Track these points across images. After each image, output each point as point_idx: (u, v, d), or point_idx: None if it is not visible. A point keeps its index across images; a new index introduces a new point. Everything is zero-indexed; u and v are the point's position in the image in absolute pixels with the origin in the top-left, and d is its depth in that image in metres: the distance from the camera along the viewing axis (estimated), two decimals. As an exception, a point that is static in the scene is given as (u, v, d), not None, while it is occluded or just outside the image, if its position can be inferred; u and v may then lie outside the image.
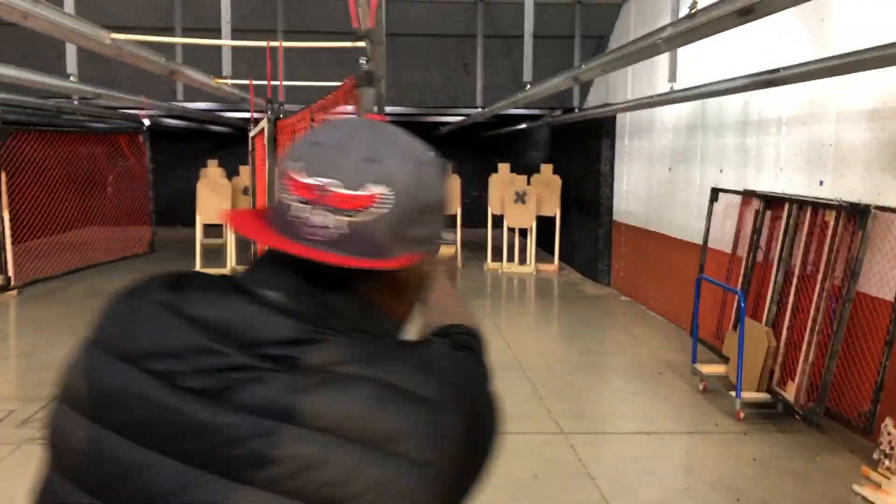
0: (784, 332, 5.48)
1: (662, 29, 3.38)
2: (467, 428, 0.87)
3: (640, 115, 9.43)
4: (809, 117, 5.78)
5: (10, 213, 9.34)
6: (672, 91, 6.56)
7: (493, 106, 9.07)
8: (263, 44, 3.93)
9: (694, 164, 7.88)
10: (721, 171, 7.23)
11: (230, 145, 16.64)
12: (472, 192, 15.67)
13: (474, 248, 14.03)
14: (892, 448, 4.32)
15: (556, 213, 11.99)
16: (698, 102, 7.65)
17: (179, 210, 15.26)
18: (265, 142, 5.16)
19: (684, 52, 7.87)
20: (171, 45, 8.87)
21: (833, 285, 5.09)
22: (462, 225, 12.73)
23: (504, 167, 12.50)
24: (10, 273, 9.23)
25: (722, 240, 6.95)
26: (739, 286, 6.17)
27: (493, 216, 12.29)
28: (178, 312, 0.85)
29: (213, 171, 11.70)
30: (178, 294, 0.88)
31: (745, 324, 5.77)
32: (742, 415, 5.42)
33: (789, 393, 5.25)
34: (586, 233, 11.42)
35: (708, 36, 3.21)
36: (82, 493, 0.83)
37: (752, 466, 4.70)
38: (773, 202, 5.98)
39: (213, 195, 10.88)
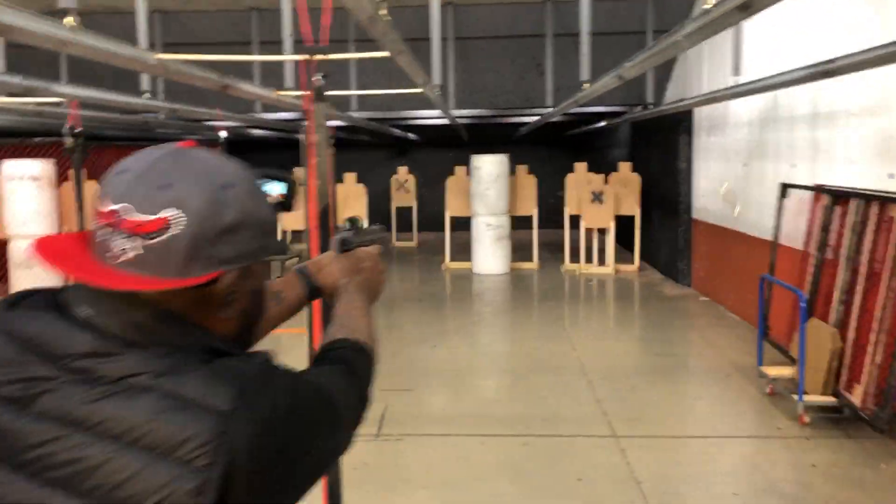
0: (851, 333, 5.23)
1: (683, 25, 3.32)
2: (266, 436, 0.92)
3: (714, 109, 9.17)
4: (879, 108, 5.50)
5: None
6: (736, 85, 6.36)
7: (559, 106, 9.00)
8: (303, 57, 4.07)
9: (767, 159, 7.61)
10: (794, 165, 6.96)
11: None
12: (556, 193, 15.53)
13: (554, 250, 13.95)
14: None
15: (636, 212, 11.79)
16: (770, 96, 7.38)
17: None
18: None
19: (751, 45, 7.62)
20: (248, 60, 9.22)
21: (901, 284, 4.83)
22: (539, 226, 12.69)
23: (581, 166, 12.37)
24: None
25: (795, 237, 6.68)
26: (808, 285, 5.93)
27: (571, 216, 12.18)
28: (3, 328, 0.96)
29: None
30: (10, 311, 0.98)
31: (811, 325, 5.55)
32: (807, 419, 5.21)
33: (855, 396, 5.02)
34: (666, 232, 11.17)
35: (720, 31, 3.13)
36: None
37: (809, 473, 4.52)
38: (840, 197, 5.72)
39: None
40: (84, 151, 7.02)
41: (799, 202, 6.62)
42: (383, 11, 2.87)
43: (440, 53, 6.13)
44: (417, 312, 9.21)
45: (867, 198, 5.28)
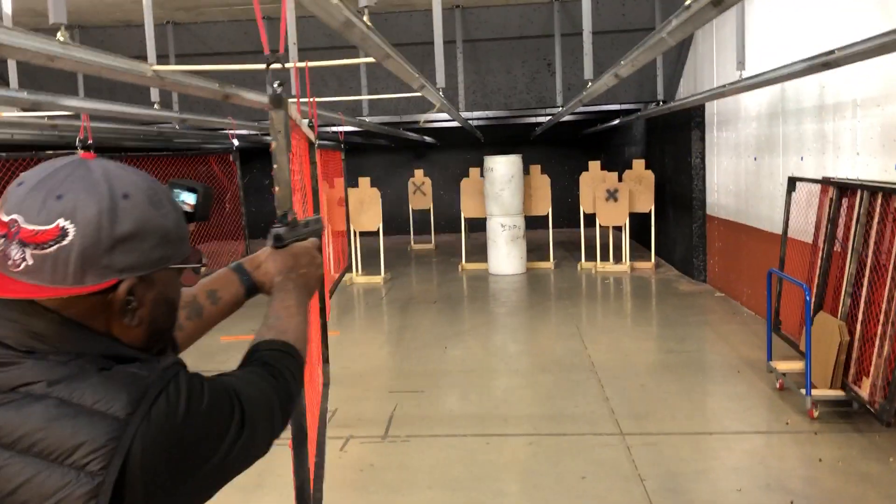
0: (858, 326, 5.19)
1: (668, 22, 3.32)
2: (162, 441, 0.96)
3: (725, 104, 9.12)
4: (884, 98, 5.45)
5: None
6: (738, 80, 6.31)
7: (567, 105, 9.00)
8: (302, 65, 4.11)
9: (776, 152, 7.56)
10: (802, 158, 6.91)
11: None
12: (573, 192, 15.48)
13: (570, 249, 13.92)
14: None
15: (651, 209, 11.74)
16: (777, 89, 7.34)
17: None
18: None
19: (757, 39, 7.58)
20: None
21: (907, 275, 4.78)
22: (553, 225, 12.68)
23: (594, 165, 12.35)
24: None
25: (805, 231, 6.63)
26: (816, 278, 5.88)
27: (586, 215, 12.15)
28: None
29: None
30: None
31: (819, 318, 5.52)
32: (816, 413, 5.17)
33: (863, 390, 4.97)
34: (682, 228, 11.11)
35: (699, 27, 3.13)
36: None
37: (816, 468, 4.49)
38: (846, 189, 5.67)
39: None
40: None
41: (808, 195, 6.57)
42: (365, 18, 2.91)
43: (443, 56, 6.16)
44: (432, 314, 9.24)
45: (873, 189, 5.23)
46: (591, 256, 12.16)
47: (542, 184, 12.54)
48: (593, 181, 12.00)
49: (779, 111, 7.43)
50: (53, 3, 3.18)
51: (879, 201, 5.12)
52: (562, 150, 18.30)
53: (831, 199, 5.83)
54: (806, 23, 6.63)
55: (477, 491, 4.37)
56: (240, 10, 9.76)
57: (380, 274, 11.62)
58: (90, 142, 7.45)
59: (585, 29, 6.55)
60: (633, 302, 9.85)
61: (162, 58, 8.83)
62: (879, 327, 4.88)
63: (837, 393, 5.19)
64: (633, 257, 12.08)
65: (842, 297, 5.46)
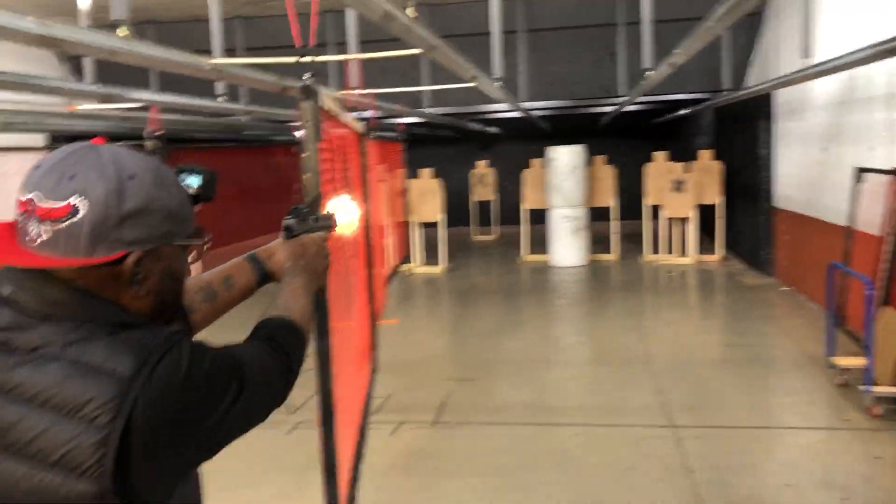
0: (923, 322, 5.02)
1: (715, 9, 3.28)
2: (163, 399, 1.05)
3: (793, 93, 8.87)
4: (955, 85, 5.24)
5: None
6: (804, 68, 6.15)
7: (629, 95, 8.90)
8: (343, 57, 4.21)
9: (845, 142, 7.33)
10: (871, 148, 6.68)
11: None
12: (639, 183, 15.29)
13: (635, 242, 13.74)
14: None
15: (718, 200, 11.50)
16: (846, 77, 7.10)
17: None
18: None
19: (825, 25, 7.35)
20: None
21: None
22: (618, 217, 12.54)
23: (660, 155, 12.16)
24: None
25: (874, 223, 6.42)
26: (882, 272, 5.69)
27: (651, 207, 11.99)
28: None
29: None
30: None
31: (883, 313, 5.35)
32: (878, 410, 5.03)
33: (927, 388, 4.82)
34: (749, 220, 10.86)
35: (742, 14, 3.08)
36: None
37: (873, 465, 4.38)
38: (914, 180, 5.47)
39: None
40: (166, 153, 7.41)
41: (876, 187, 6.36)
42: (408, 11, 2.97)
43: (501, 46, 6.16)
44: (490, 305, 9.29)
45: (940, 180, 5.04)
46: (655, 249, 12.00)
47: (606, 174, 12.42)
48: (659, 172, 11.83)
49: (847, 99, 7.20)
50: (114, 1, 3.34)
51: (947, 193, 4.94)
52: (629, 140, 18.03)
53: (898, 191, 5.64)
54: (876, 7, 6.40)
55: (522, 478, 4.41)
56: (305, 3, 9.95)
57: (440, 265, 11.71)
58: (159, 132, 7.74)
59: (645, 17, 6.48)
60: (696, 295, 9.70)
61: (230, 51, 9.09)
62: (944, 323, 4.71)
63: (900, 390, 5.03)
64: (698, 250, 11.88)
65: (907, 292, 5.28)
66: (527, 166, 13.11)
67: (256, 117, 10.14)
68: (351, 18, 6.64)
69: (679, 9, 9.90)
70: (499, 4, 5.93)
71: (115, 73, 10.04)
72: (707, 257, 11.66)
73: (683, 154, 15.51)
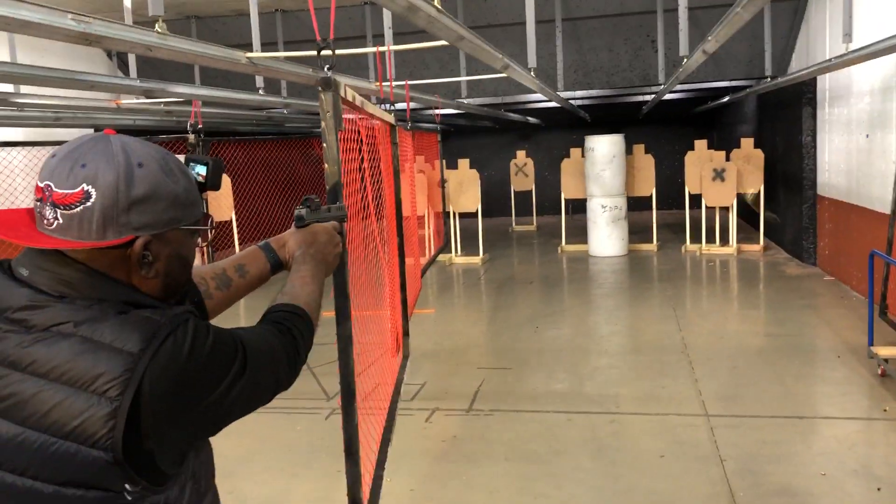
0: (966, 311, 4.92)
1: (744, -5, 3.26)
2: (169, 373, 1.13)
3: (837, 79, 8.71)
4: None
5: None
6: (845, 53, 6.03)
7: (667, 83, 8.81)
8: (373, 49, 4.27)
9: (890, 128, 7.18)
10: (915, 134, 6.55)
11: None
12: (681, 172, 15.15)
13: (677, 231, 13.62)
14: None
15: (760, 189, 11.34)
16: (891, 62, 6.96)
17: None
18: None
19: (867, 9, 7.20)
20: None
21: None
22: (658, 207, 12.43)
23: (701, 144, 12.02)
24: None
25: (918, 211, 6.30)
26: (924, 261, 5.59)
27: (691, 195, 11.86)
28: None
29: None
30: None
31: (924, 302, 5.25)
32: (918, 401, 4.96)
33: (969, 378, 4.72)
34: (792, 209, 10.69)
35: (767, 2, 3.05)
36: None
37: (910, 456, 4.32)
38: (958, 166, 5.35)
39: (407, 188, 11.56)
40: (207, 146, 7.58)
41: (920, 173, 6.23)
42: (436, 2, 3.02)
43: (542, 35, 6.17)
44: (527, 295, 9.31)
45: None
46: (696, 238, 11.89)
47: (646, 164, 12.32)
48: (699, 160, 11.70)
49: (892, 85, 7.05)
50: (152, -3, 3.45)
51: None
52: (671, 129, 17.84)
53: (942, 177, 5.52)
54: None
55: (554, 464, 4.45)
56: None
57: (479, 255, 11.76)
58: (200, 126, 7.92)
59: (682, 4, 6.42)
60: (736, 285, 9.59)
61: (270, 45, 9.22)
62: None
63: (940, 380, 4.95)
64: (740, 239, 11.73)
65: (949, 281, 5.18)
66: (566, 156, 13.07)
67: (296, 110, 10.29)
68: (387, 11, 6.70)
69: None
70: (532, -7, 5.93)
71: (162, 69, 10.30)
72: (748, 247, 11.51)
73: (725, 142, 15.32)
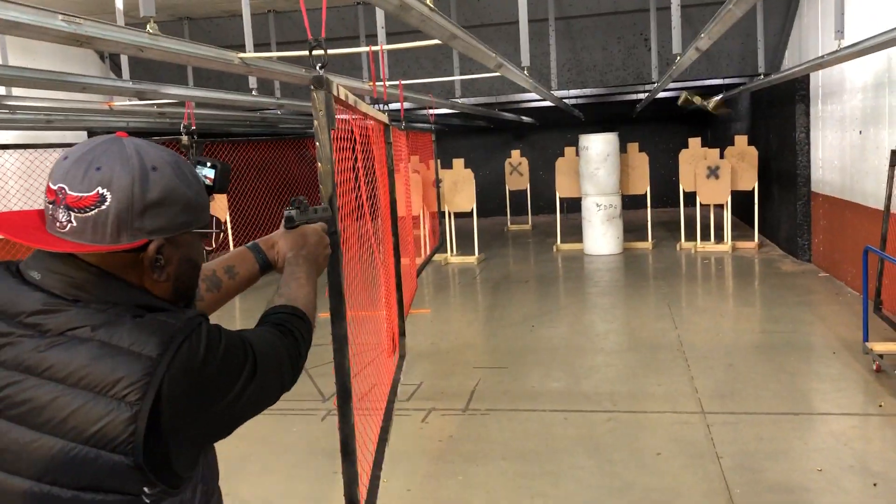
0: (960, 306, 4.93)
1: (735, -8, 3.26)
2: (187, 377, 1.13)
3: (830, 76, 8.73)
4: None
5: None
6: (839, 49, 6.04)
7: (660, 81, 8.82)
8: (366, 49, 4.27)
9: (882, 124, 7.19)
10: (908, 130, 6.56)
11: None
12: (676, 170, 15.18)
13: (671, 229, 13.64)
14: None
15: (754, 186, 11.36)
16: (883, 58, 6.98)
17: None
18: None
19: (859, 6, 7.22)
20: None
21: None
22: (653, 205, 12.44)
23: (695, 142, 12.03)
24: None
25: (913, 207, 6.31)
26: (918, 256, 5.60)
27: (686, 193, 11.88)
28: None
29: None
30: None
31: (919, 297, 5.27)
32: (913, 396, 4.97)
33: (964, 372, 4.74)
34: (786, 206, 10.71)
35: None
36: None
37: (906, 451, 4.33)
38: (951, 162, 5.37)
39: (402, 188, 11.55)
40: (200, 148, 7.56)
41: (914, 169, 6.25)
42: (428, 1, 3.01)
43: (536, 35, 6.16)
44: (523, 294, 9.31)
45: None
46: (691, 236, 11.91)
47: (640, 162, 12.33)
48: (693, 158, 11.71)
49: (885, 81, 7.07)
50: (143, -1, 3.43)
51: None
52: (665, 127, 17.87)
53: (935, 173, 5.54)
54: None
55: (551, 463, 4.45)
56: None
57: (474, 254, 11.76)
58: (194, 128, 7.88)
59: (674, 2, 6.42)
60: (731, 282, 9.60)
61: (263, 46, 9.21)
62: (981, 307, 4.63)
63: (936, 375, 4.96)
64: (735, 237, 11.75)
65: (944, 276, 5.19)
66: (560, 155, 13.07)
67: (289, 111, 10.27)
68: (380, 10, 6.69)
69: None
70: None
71: (155, 71, 10.27)
72: (743, 244, 11.53)
73: (719, 140, 15.35)
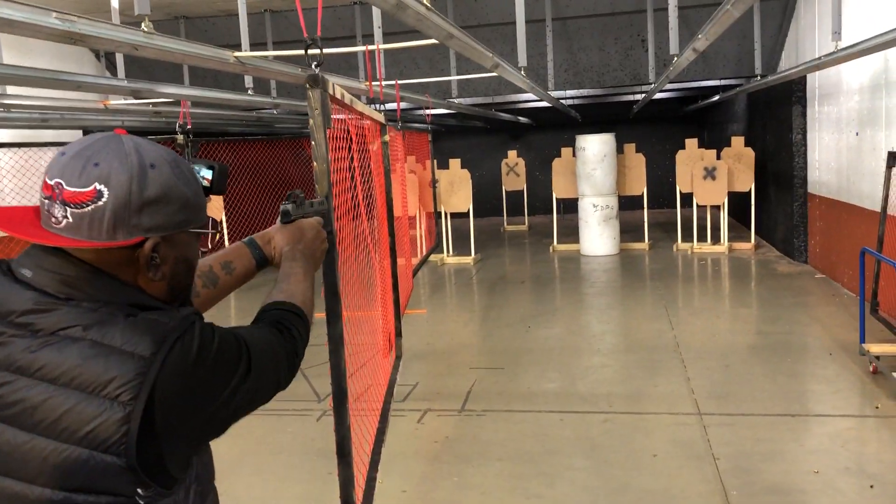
0: (957, 308, 4.93)
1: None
2: (180, 376, 1.11)
3: (827, 77, 8.73)
4: None
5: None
6: (835, 51, 6.04)
7: (656, 82, 8.82)
8: (362, 48, 4.26)
9: (879, 126, 7.20)
10: (905, 132, 6.56)
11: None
12: (672, 171, 15.19)
13: (668, 230, 13.64)
14: None
15: (751, 187, 11.37)
16: (880, 59, 6.98)
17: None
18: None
19: (856, 7, 7.22)
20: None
21: None
22: (650, 206, 12.44)
23: (691, 143, 12.03)
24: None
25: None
26: (915, 258, 5.60)
27: (682, 194, 11.88)
28: None
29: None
30: None
31: (915, 299, 5.26)
32: (910, 398, 4.96)
33: (960, 374, 4.73)
34: (782, 207, 10.72)
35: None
36: None
37: (902, 453, 4.32)
38: (948, 163, 5.37)
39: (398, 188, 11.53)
40: (196, 146, 7.54)
41: (910, 171, 6.25)
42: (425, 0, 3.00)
43: (533, 35, 6.16)
44: (519, 294, 9.30)
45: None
46: (687, 237, 11.91)
47: (637, 163, 12.33)
48: (690, 159, 11.71)
49: (881, 83, 7.07)
50: (138, -4, 3.41)
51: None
52: (662, 128, 17.88)
53: (932, 174, 5.54)
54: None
55: (547, 464, 4.43)
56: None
57: (470, 255, 11.74)
58: (189, 127, 7.88)
59: (671, 3, 6.41)
60: (728, 283, 9.60)
61: (259, 45, 9.18)
62: (978, 308, 4.63)
63: (932, 377, 4.96)
64: (731, 238, 11.75)
65: (940, 277, 5.19)
66: (557, 156, 13.07)
67: (286, 110, 10.24)
68: (376, 9, 6.67)
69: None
70: (522, -8, 5.91)
71: (150, 69, 10.24)
72: (739, 245, 11.54)
73: (716, 141, 15.36)
